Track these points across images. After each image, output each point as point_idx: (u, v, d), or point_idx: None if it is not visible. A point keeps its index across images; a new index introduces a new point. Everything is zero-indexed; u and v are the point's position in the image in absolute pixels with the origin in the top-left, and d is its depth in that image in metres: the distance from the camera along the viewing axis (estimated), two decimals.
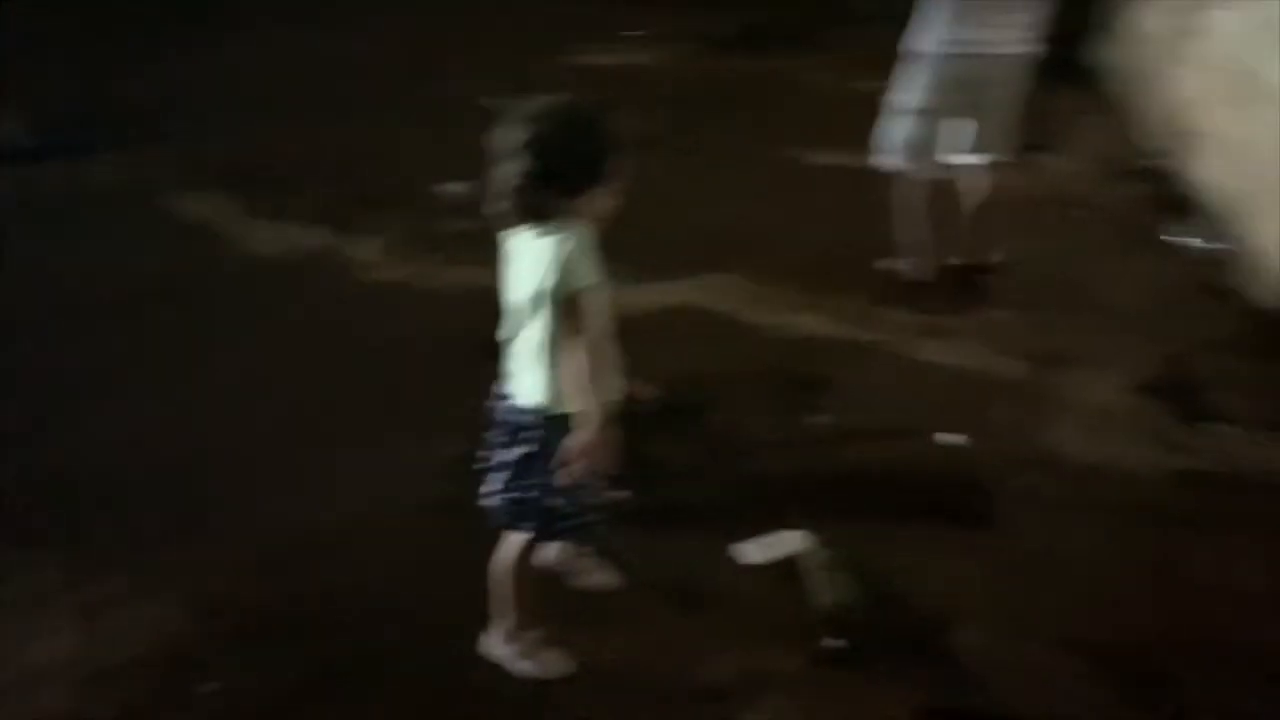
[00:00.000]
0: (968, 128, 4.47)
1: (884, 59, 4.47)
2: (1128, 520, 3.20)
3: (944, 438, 3.46)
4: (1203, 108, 5.98)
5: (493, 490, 2.24)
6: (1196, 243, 5.30)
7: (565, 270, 1.99)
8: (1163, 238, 5.40)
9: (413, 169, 5.53)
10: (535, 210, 2.00)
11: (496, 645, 2.45)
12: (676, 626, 2.60)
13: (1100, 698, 2.51)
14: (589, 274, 2.02)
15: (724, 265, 4.61)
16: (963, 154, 4.52)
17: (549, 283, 2.01)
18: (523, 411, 2.16)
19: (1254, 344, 4.33)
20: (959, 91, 4.22)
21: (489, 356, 2.24)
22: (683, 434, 3.26)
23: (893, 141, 4.45)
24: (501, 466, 2.21)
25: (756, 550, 2.86)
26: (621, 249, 2.13)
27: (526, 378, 2.15)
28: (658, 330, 3.95)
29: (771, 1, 8.40)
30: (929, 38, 4.18)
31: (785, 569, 2.82)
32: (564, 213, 2.01)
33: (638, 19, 8.04)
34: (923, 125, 4.33)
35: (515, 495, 2.20)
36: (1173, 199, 5.91)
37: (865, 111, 6.78)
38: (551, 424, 2.13)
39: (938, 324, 4.36)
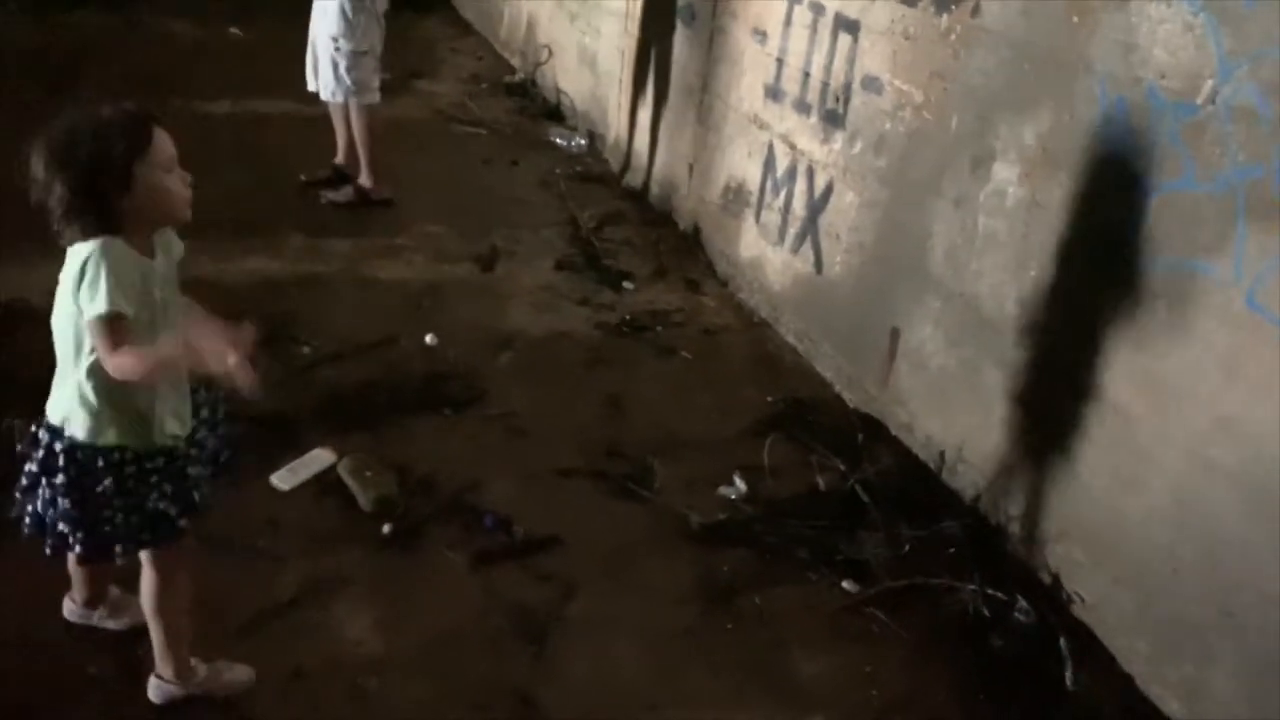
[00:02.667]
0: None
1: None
2: (578, 369, 3.88)
3: (432, 340, 3.85)
4: (549, 24, 6.92)
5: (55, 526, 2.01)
6: (571, 140, 6.24)
7: (81, 292, 1.81)
8: (546, 139, 6.26)
9: None
10: (86, 219, 1.81)
11: (171, 686, 2.25)
12: (242, 565, 2.69)
13: (597, 502, 3.13)
14: (107, 298, 1.80)
15: None
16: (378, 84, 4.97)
17: (64, 303, 1.87)
18: (49, 429, 1.98)
19: (630, 216, 5.31)
20: (379, 29, 4.75)
21: None
22: None
23: (353, 78, 4.76)
24: (55, 501, 1.99)
25: (290, 475, 3.02)
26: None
27: (54, 395, 1.99)
28: None
29: None
30: None
31: (322, 484, 3.03)
32: (122, 216, 1.83)
33: None
34: (372, 61, 4.74)
35: (70, 522, 1.99)
36: (543, 106, 6.84)
37: (231, 58, 6.80)
38: (72, 448, 1.96)
39: (382, 245, 4.71)
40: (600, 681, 2.50)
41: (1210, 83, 2.28)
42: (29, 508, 2.05)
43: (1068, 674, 2.59)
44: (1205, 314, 2.33)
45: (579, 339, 4.11)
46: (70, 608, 2.40)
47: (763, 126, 4.27)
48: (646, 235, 5.10)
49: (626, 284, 4.57)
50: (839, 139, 3.75)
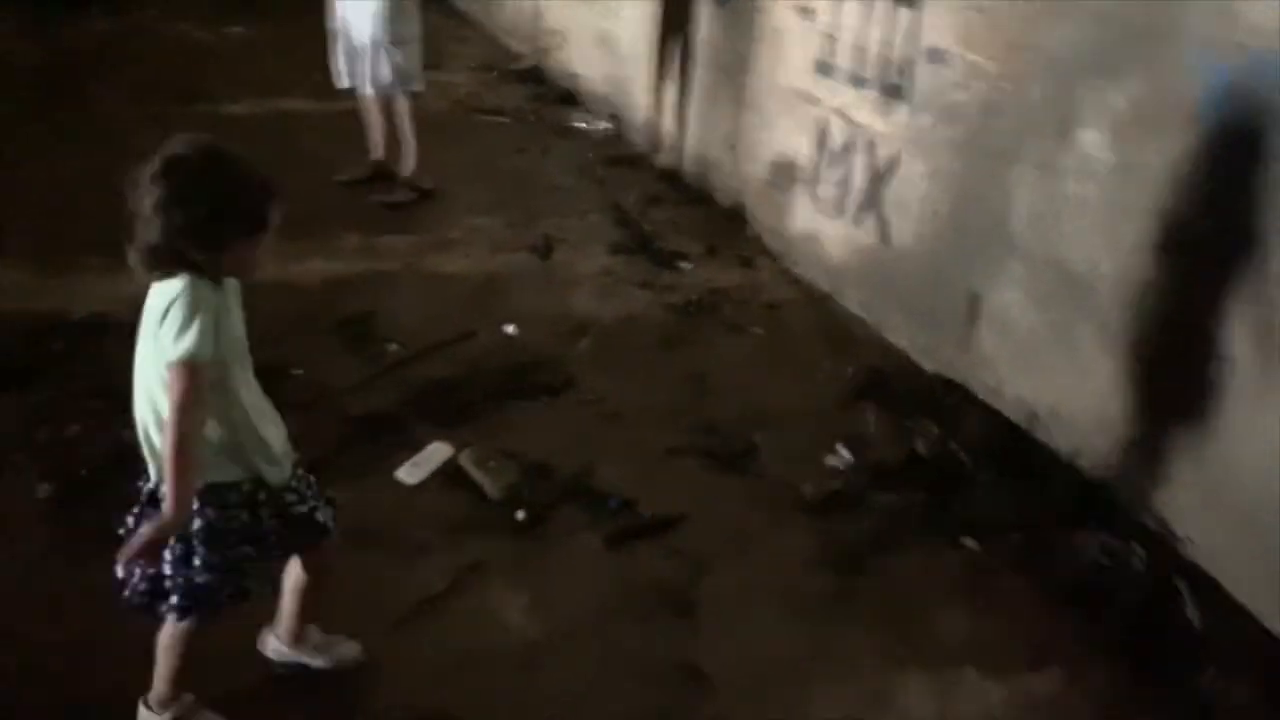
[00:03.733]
0: None
1: None
2: (656, 350, 3.96)
3: (511, 330, 3.91)
4: (560, 10, 6.92)
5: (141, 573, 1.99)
6: (596, 124, 6.28)
7: (169, 332, 1.77)
8: (569, 124, 6.30)
9: None
10: (169, 263, 1.78)
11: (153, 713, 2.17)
12: (387, 558, 2.74)
13: (708, 478, 3.21)
14: (192, 343, 1.76)
15: None
16: None
17: (152, 343, 1.83)
18: (149, 482, 1.95)
19: (672, 197, 5.38)
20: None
21: None
22: (276, 403, 3.29)
23: (407, 67, 4.82)
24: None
25: (414, 470, 3.07)
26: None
27: (147, 447, 1.92)
28: None
29: None
30: None
31: (446, 477, 3.09)
32: (205, 267, 1.80)
33: None
34: (420, 48, 4.81)
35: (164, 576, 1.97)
36: (559, 92, 6.86)
37: (242, 59, 6.75)
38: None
39: (436, 240, 4.74)
40: (758, 650, 2.59)
41: None
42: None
43: (1191, 613, 2.71)
44: None
45: (650, 321, 4.18)
46: (274, 645, 2.37)
47: (813, 102, 4.34)
48: (690, 215, 5.17)
49: (683, 264, 4.64)
50: (903, 111, 3.84)
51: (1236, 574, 2.77)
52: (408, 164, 5.03)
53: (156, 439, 1.88)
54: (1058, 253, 3.23)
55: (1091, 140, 3.06)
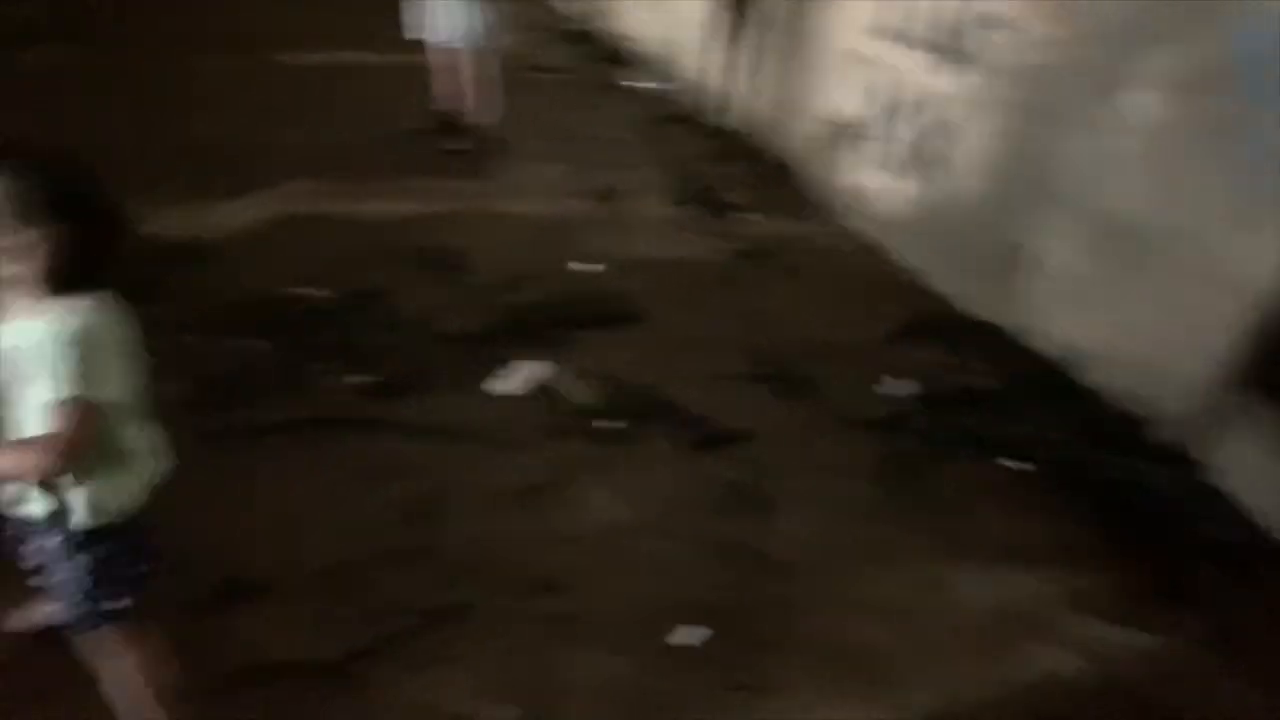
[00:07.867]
0: None
1: None
2: (717, 290, 4.25)
3: (579, 267, 4.21)
4: None
5: (71, 609, 1.88)
6: (646, 84, 6.54)
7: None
8: (622, 83, 6.57)
9: None
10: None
11: None
12: (488, 452, 3.06)
13: (771, 401, 3.51)
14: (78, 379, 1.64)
15: (283, 173, 4.77)
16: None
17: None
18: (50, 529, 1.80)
19: (724, 153, 5.66)
20: None
21: None
22: (373, 322, 3.62)
23: (495, 21, 5.11)
24: (66, 584, 1.85)
25: (504, 383, 3.38)
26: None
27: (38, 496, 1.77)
28: (273, 239, 4.16)
29: None
30: None
31: (534, 390, 3.40)
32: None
33: None
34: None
35: (94, 603, 1.86)
36: (612, 52, 7.13)
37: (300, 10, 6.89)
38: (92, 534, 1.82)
39: (503, 185, 5.03)
40: (822, 542, 2.89)
41: None
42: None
43: (1214, 528, 3.00)
44: None
45: (710, 264, 4.47)
46: None
47: (866, 62, 4.61)
48: (744, 169, 5.45)
49: (739, 214, 4.93)
50: (953, 71, 4.10)
51: (1254, 498, 3.05)
52: (494, 113, 5.31)
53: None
54: (1105, 204, 3.50)
55: (1138, 99, 3.33)
